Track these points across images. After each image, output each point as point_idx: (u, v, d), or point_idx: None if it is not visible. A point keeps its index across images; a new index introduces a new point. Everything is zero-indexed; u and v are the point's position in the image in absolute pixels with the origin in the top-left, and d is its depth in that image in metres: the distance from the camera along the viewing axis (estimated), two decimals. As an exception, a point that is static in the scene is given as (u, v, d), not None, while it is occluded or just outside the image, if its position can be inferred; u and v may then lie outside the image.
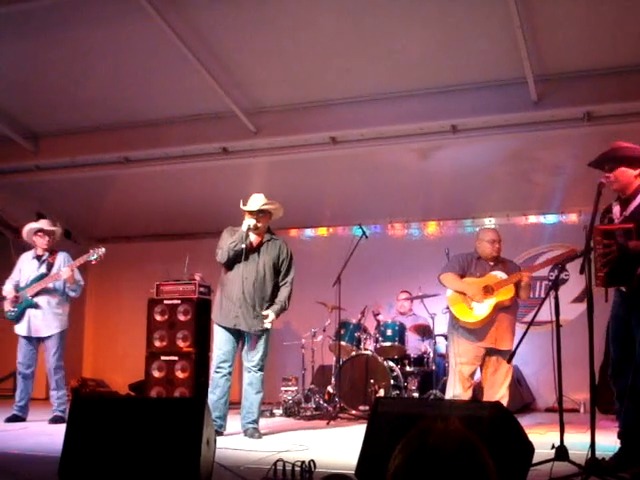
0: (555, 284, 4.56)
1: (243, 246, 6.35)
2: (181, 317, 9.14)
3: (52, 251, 7.66)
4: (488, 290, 6.49)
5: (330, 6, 6.94)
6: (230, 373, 6.49)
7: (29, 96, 8.70)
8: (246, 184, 9.53)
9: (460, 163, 8.73)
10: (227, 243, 6.42)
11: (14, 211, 10.61)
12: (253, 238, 6.51)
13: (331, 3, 6.92)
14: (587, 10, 6.64)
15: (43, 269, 7.55)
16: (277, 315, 6.54)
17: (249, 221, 6.41)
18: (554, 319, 4.46)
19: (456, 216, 9.82)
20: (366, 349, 8.20)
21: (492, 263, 6.69)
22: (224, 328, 6.45)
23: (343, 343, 8.22)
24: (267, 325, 6.45)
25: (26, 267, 7.68)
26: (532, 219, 9.57)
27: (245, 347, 6.52)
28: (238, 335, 6.49)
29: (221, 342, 6.46)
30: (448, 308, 6.77)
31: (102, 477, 3.89)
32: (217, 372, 6.47)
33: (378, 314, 8.65)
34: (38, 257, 7.66)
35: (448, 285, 6.74)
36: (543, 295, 8.44)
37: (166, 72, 7.94)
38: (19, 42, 7.60)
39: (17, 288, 7.54)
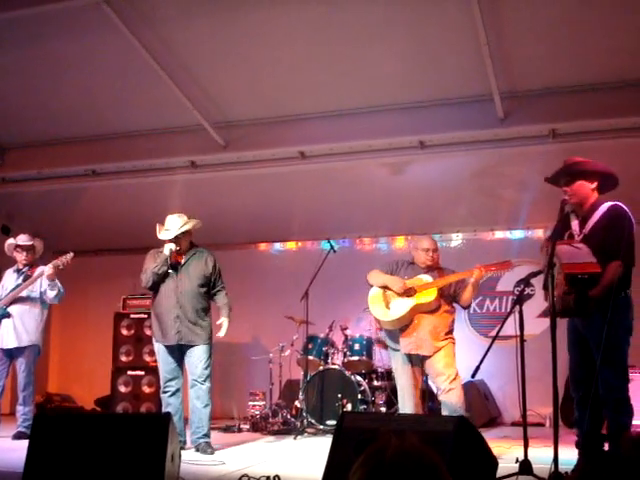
0: (519, 299, 4.60)
1: (165, 269, 6.52)
2: (148, 331, 9.06)
3: (32, 266, 7.60)
4: (410, 291, 6.22)
5: (301, 22, 6.98)
6: (179, 389, 6.54)
7: (-4, 108, 8.64)
8: (214, 198, 9.53)
9: (428, 178, 8.79)
10: (150, 268, 6.56)
11: (-20, 224, 10.49)
12: (175, 255, 6.64)
13: (302, 19, 6.95)
14: (553, 28, 6.75)
15: (20, 280, 7.51)
16: (229, 319, 6.72)
17: (170, 245, 6.54)
18: (519, 334, 4.50)
19: (424, 231, 9.80)
20: (334, 363, 8.19)
21: (425, 270, 6.37)
22: (166, 347, 6.52)
23: (311, 357, 8.21)
24: (222, 333, 6.68)
25: (7, 281, 7.67)
26: (499, 234, 9.62)
27: (187, 360, 6.54)
28: (180, 350, 6.53)
29: (165, 361, 6.55)
30: (368, 308, 6.57)
31: (65, 493, 3.85)
32: (165, 392, 6.54)
33: (346, 328, 8.64)
34: (18, 270, 7.65)
35: (372, 281, 6.49)
36: (508, 310, 8.51)
37: (136, 85, 7.93)
38: (-14, 54, 7.55)
39: None
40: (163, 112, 8.37)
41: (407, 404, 6.18)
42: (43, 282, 7.44)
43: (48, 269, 7.29)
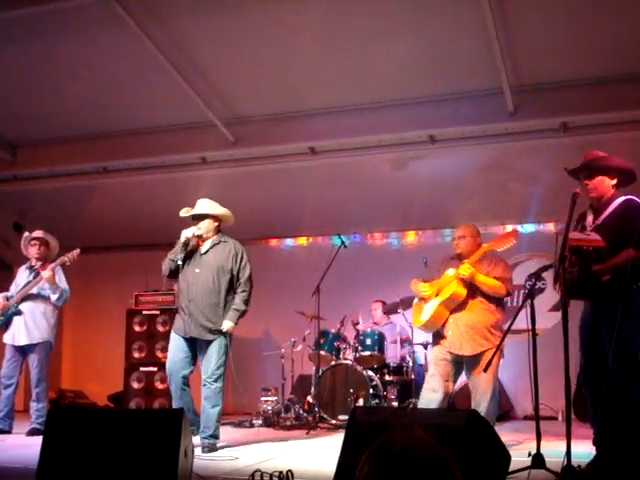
0: (531, 293, 4.60)
1: (182, 256, 6.24)
2: (160, 327, 9.13)
3: (44, 263, 7.60)
4: (438, 291, 6.07)
5: (310, 18, 6.97)
6: (185, 383, 6.22)
7: (7, 106, 8.65)
8: (225, 194, 9.54)
9: (438, 173, 8.78)
10: (168, 255, 6.38)
11: (-9, 222, 10.55)
12: (194, 243, 6.39)
13: (311, 15, 6.95)
14: (563, 22, 6.72)
15: (30, 278, 7.52)
16: (234, 322, 6.27)
17: (187, 231, 6.30)
18: (530, 327, 4.50)
19: (435, 225, 9.87)
20: (345, 358, 8.20)
21: (466, 261, 6.09)
22: (179, 337, 6.27)
23: (323, 353, 8.23)
24: (220, 332, 6.21)
25: (19, 277, 7.68)
26: (510, 228, 9.61)
27: (199, 357, 6.29)
28: (193, 344, 6.27)
29: (171, 350, 6.30)
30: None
31: (79, 489, 3.87)
32: (170, 383, 6.31)
33: (357, 323, 8.66)
34: (31, 267, 7.64)
35: (414, 292, 6.39)
36: (520, 304, 8.49)
37: (146, 82, 7.94)
38: (-2, 52, 7.58)
39: (7, 298, 7.51)
40: (173, 109, 8.39)
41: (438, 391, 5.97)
42: (46, 285, 7.45)
43: (46, 272, 7.28)
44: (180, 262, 6.24)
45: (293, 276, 9.86)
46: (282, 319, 9.66)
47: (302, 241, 10.66)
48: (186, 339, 6.24)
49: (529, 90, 7.52)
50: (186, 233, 6.29)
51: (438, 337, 6.15)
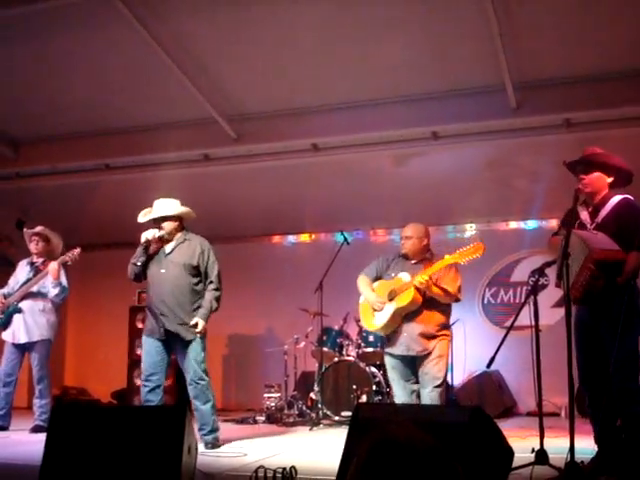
0: (534, 289, 4.60)
1: (144, 260, 6.15)
2: (163, 324, 9.12)
3: (46, 260, 7.58)
4: (391, 294, 5.96)
5: (312, 14, 6.97)
6: (159, 386, 6.12)
7: (9, 102, 8.65)
8: (227, 190, 9.56)
9: (441, 169, 8.78)
10: (131, 259, 6.26)
11: (-6, 219, 10.55)
12: (156, 246, 6.26)
13: (313, 11, 6.94)
14: (566, 18, 6.71)
15: (31, 275, 7.49)
16: (205, 319, 6.11)
17: (147, 233, 6.18)
18: (533, 324, 4.50)
19: (437, 222, 9.84)
20: (348, 355, 8.20)
21: (414, 261, 6.10)
22: (152, 339, 6.15)
23: (325, 349, 8.23)
24: (196, 333, 6.08)
25: (19, 273, 7.65)
26: (513, 225, 9.62)
27: (178, 358, 6.21)
28: (169, 345, 6.15)
29: (147, 354, 6.16)
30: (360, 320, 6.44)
31: (83, 486, 3.88)
32: (145, 386, 6.13)
33: (360, 320, 8.66)
34: (31, 264, 7.61)
35: (359, 290, 6.35)
36: (523, 300, 8.50)
37: (147, 79, 7.94)
38: (0, 49, 7.57)
39: (6, 295, 7.50)
40: (175, 105, 8.39)
41: (403, 397, 6.04)
42: (48, 280, 7.44)
43: (52, 265, 7.26)
44: (140, 264, 6.17)
45: (296, 273, 9.86)
46: (285, 316, 9.66)
47: (305, 238, 10.66)
48: (161, 340, 6.12)
49: (532, 86, 7.50)
50: (146, 235, 6.18)
51: (389, 340, 6.12)
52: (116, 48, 7.51)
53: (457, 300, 6.09)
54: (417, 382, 6.10)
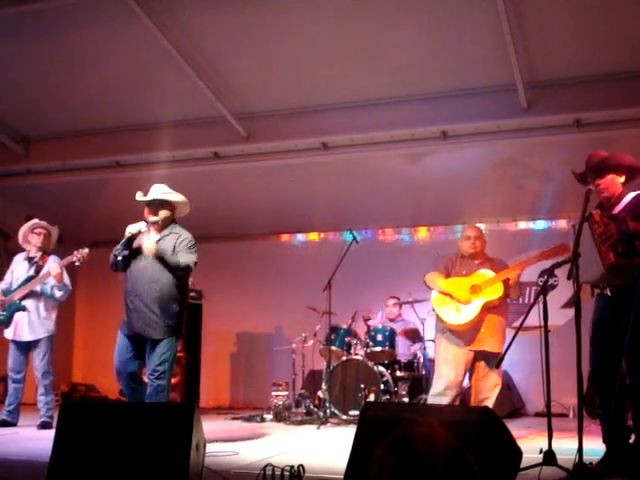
0: (544, 289, 4.58)
1: (125, 253, 5.84)
2: (171, 322, 9.12)
3: (43, 254, 7.60)
4: (475, 289, 6.14)
5: (322, 12, 6.97)
6: (134, 380, 5.89)
7: (20, 100, 8.69)
8: (237, 189, 9.57)
9: (450, 169, 8.77)
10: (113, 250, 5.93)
11: (4, 215, 10.58)
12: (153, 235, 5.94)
13: (323, 9, 6.94)
14: (576, 17, 6.69)
15: (32, 272, 7.45)
16: (157, 255, 5.72)
17: (138, 225, 5.91)
18: (543, 324, 4.48)
19: (446, 222, 9.86)
20: (356, 354, 8.20)
21: (478, 261, 6.35)
22: (125, 336, 5.89)
23: (334, 348, 8.23)
24: (147, 248, 5.70)
25: (17, 269, 7.61)
26: (522, 225, 9.61)
27: (147, 355, 5.86)
28: (139, 342, 5.85)
29: (118, 351, 5.89)
30: (434, 310, 6.48)
31: (91, 482, 3.89)
32: (119, 381, 5.97)
33: (368, 319, 8.67)
34: (30, 259, 7.57)
35: (433, 286, 6.41)
36: (532, 300, 8.48)
37: (158, 76, 7.95)
38: (10, 46, 7.59)
39: (5, 292, 7.51)
40: (186, 103, 8.39)
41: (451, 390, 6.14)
42: (50, 280, 7.40)
43: (54, 270, 7.25)
44: (121, 258, 5.85)
45: (304, 271, 9.87)
46: (293, 314, 9.68)
47: (314, 236, 10.68)
48: (131, 337, 5.86)
49: (543, 86, 7.49)
50: (131, 229, 5.90)
51: (457, 334, 6.21)
52: (127, 46, 7.52)
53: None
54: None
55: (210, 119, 8.57)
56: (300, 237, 10.74)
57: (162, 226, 6.01)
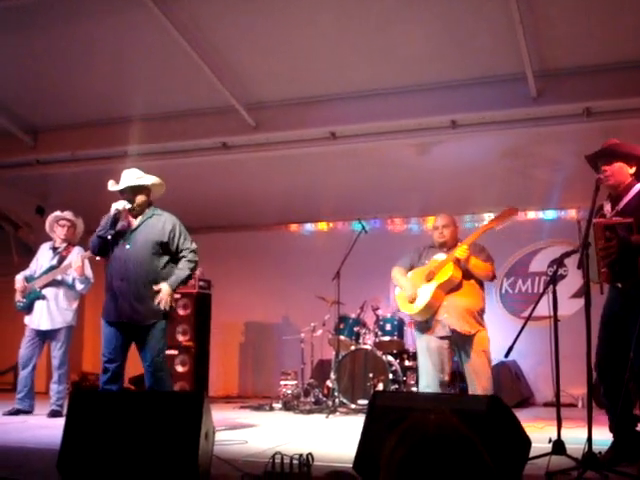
0: (553, 279, 4.57)
1: (113, 232, 5.68)
2: (181, 311, 9.19)
3: (68, 245, 7.63)
4: (429, 276, 6.11)
5: (332, 1, 6.94)
6: (119, 374, 5.72)
7: (29, 90, 8.70)
8: (246, 179, 9.57)
9: (459, 158, 8.74)
10: (96, 230, 5.79)
11: (14, 206, 10.62)
12: (124, 219, 5.83)
13: (331, -2, 6.92)
14: (587, 6, 6.65)
15: (54, 261, 7.52)
16: (174, 288, 5.70)
17: (118, 204, 5.73)
18: (552, 314, 4.48)
19: (455, 211, 9.73)
20: (365, 343, 8.22)
21: (446, 249, 6.28)
22: (109, 323, 5.70)
23: (342, 337, 8.24)
24: (161, 305, 5.62)
25: (42, 257, 7.68)
26: (531, 215, 9.58)
27: (137, 345, 5.74)
28: (125, 330, 5.68)
29: (105, 339, 5.69)
30: (399, 310, 6.56)
31: (101, 470, 3.91)
32: (104, 374, 5.71)
33: (377, 309, 8.67)
34: (54, 249, 7.64)
35: (395, 282, 6.48)
36: (541, 290, 8.47)
37: (166, 66, 7.94)
38: (19, 36, 7.59)
39: (28, 279, 7.55)
40: (194, 93, 8.38)
41: (431, 387, 6.08)
42: (72, 272, 7.44)
43: (77, 262, 7.29)
44: (107, 237, 5.70)
45: (313, 261, 9.88)
46: (302, 304, 9.69)
47: (322, 226, 10.68)
48: (118, 324, 5.69)
49: (552, 75, 7.43)
50: (117, 205, 5.74)
51: (426, 324, 6.18)
52: (135, 35, 7.51)
53: (494, 277, 6.31)
54: (448, 374, 6.19)
55: (218, 109, 8.55)
56: (309, 227, 10.74)
57: (139, 212, 5.88)
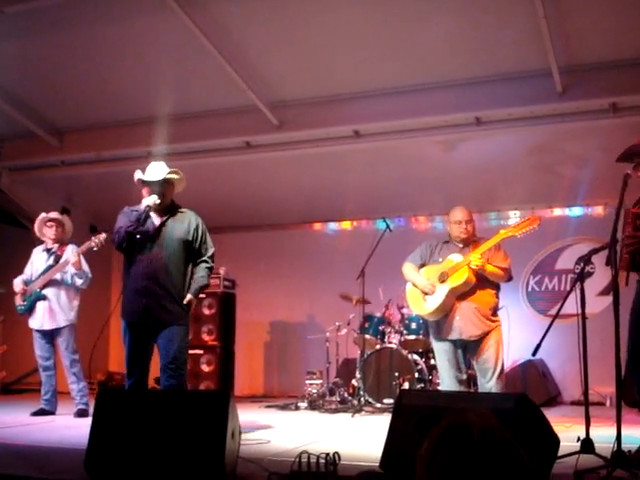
0: (580, 277, 4.52)
1: (142, 229, 5.50)
2: (206, 311, 9.22)
3: (61, 244, 7.68)
4: (442, 277, 6.01)
5: (353, -1, 6.94)
6: (145, 377, 5.62)
7: (54, 91, 8.76)
8: (269, 178, 9.57)
9: (484, 155, 8.68)
10: (124, 226, 5.52)
11: (39, 206, 10.67)
12: (154, 216, 5.68)
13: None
14: (612, 1, 6.58)
15: (51, 261, 7.57)
16: (196, 295, 5.64)
17: (149, 199, 5.57)
18: (580, 312, 4.43)
19: (480, 209, 9.75)
20: (390, 342, 8.19)
21: (461, 245, 6.20)
22: (132, 324, 5.56)
23: (367, 336, 8.23)
24: (184, 313, 5.59)
25: (36, 260, 7.72)
26: (557, 212, 9.49)
27: (159, 342, 5.54)
28: (150, 331, 5.53)
29: (130, 343, 5.55)
30: (408, 306, 6.46)
31: (128, 470, 3.92)
32: (129, 378, 5.56)
33: (402, 307, 8.63)
34: (48, 250, 7.68)
35: (406, 278, 6.38)
36: (568, 288, 8.40)
37: (189, 67, 7.96)
38: (44, 38, 7.64)
39: (26, 282, 7.59)
40: (217, 93, 8.40)
41: (450, 386, 6.06)
42: (70, 268, 7.48)
43: (73, 257, 7.33)
44: (137, 232, 5.49)
45: (337, 260, 9.86)
46: (326, 303, 9.68)
47: (346, 225, 10.66)
48: (143, 325, 5.52)
49: (578, 70, 7.36)
50: (147, 201, 5.57)
51: (438, 327, 6.13)
52: (159, 36, 7.53)
53: (510, 278, 6.17)
54: (467, 372, 6.18)
55: (242, 108, 8.56)
56: (333, 226, 10.72)
57: (165, 208, 5.72)
